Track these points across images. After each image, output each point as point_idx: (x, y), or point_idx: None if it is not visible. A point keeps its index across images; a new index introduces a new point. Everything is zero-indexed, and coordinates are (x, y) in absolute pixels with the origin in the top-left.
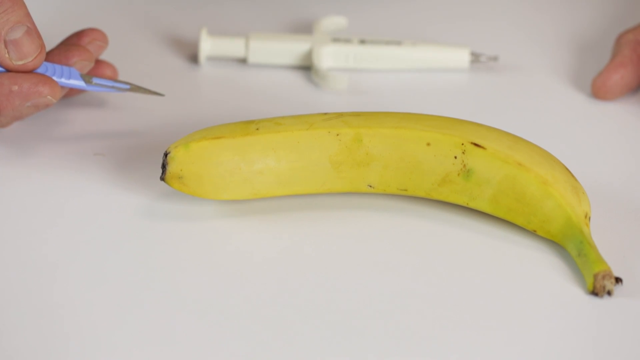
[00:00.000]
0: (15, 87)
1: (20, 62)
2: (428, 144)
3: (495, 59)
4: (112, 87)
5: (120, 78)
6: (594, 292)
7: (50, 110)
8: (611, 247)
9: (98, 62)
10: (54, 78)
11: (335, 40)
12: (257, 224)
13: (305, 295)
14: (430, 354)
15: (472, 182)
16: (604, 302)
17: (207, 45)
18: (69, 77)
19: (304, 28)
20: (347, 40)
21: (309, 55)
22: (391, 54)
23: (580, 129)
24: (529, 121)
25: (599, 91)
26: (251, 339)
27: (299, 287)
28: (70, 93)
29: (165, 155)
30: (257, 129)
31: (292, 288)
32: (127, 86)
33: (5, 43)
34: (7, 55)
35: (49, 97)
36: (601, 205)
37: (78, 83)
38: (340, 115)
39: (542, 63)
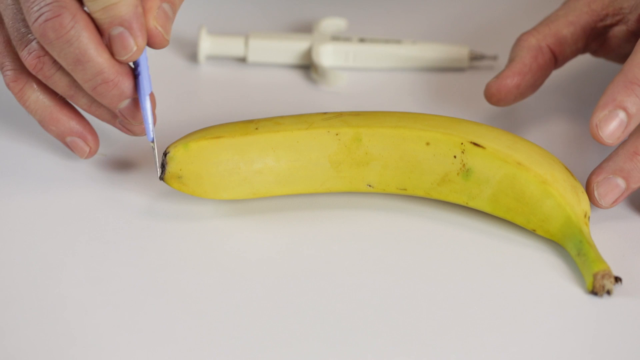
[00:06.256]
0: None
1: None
2: (427, 144)
3: (494, 58)
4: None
5: None
6: (594, 292)
7: None
8: (611, 246)
9: None
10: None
11: (335, 38)
12: (256, 223)
13: (304, 294)
14: (429, 354)
15: (471, 181)
16: (603, 301)
17: (207, 44)
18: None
19: (304, 28)
20: (347, 39)
21: (308, 54)
22: (391, 53)
23: (579, 128)
24: (528, 121)
25: (492, 97)
26: (250, 338)
27: (298, 286)
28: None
29: (165, 154)
30: (257, 129)
31: (291, 287)
32: (151, 139)
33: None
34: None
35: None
36: None
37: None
38: (339, 114)
39: None
